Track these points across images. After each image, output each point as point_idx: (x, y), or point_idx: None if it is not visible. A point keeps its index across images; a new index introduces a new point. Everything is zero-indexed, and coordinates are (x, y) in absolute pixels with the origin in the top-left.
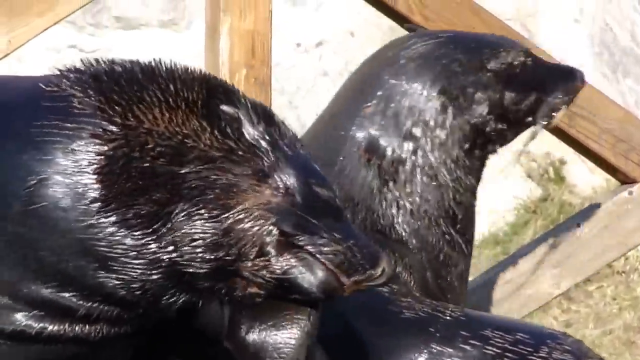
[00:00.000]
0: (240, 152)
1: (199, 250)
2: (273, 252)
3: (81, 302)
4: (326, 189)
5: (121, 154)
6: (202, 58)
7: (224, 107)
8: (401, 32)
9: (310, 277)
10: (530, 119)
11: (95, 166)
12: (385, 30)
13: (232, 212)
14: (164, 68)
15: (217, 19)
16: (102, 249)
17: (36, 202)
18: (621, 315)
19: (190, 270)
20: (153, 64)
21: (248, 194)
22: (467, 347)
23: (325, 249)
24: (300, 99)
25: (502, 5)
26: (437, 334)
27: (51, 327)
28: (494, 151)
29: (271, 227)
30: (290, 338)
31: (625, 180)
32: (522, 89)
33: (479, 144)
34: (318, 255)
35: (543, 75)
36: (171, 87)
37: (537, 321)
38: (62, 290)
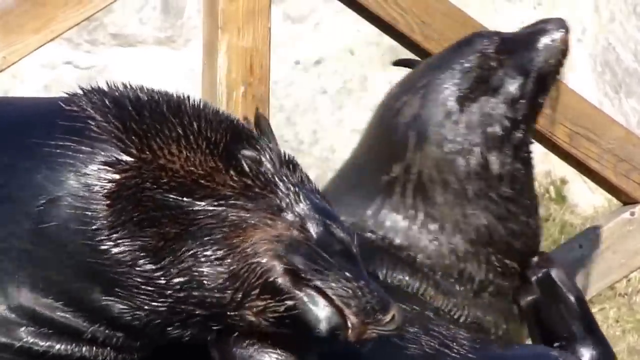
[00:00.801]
0: (256, 189)
1: (200, 292)
2: (280, 286)
3: (86, 323)
4: (344, 232)
5: (133, 184)
6: (200, 75)
7: (246, 152)
8: (402, 50)
9: (315, 313)
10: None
11: (105, 192)
12: (386, 49)
13: (236, 252)
14: (192, 105)
15: (215, 37)
16: (108, 274)
17: (46, 221)
18: (625, 338)
19: (197, 311)
20: (182, 98)
21: (257, 228)
22: None
23: (334, 285)
24: (298, 117)
25: (504, 24)
26: None
27: (58, 347)
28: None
29: (277, 262)
30: (279, 359)
31: (627, 200)
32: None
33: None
34: (326, 290)
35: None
36: (195, 125)
37: None
38: (67, 310)
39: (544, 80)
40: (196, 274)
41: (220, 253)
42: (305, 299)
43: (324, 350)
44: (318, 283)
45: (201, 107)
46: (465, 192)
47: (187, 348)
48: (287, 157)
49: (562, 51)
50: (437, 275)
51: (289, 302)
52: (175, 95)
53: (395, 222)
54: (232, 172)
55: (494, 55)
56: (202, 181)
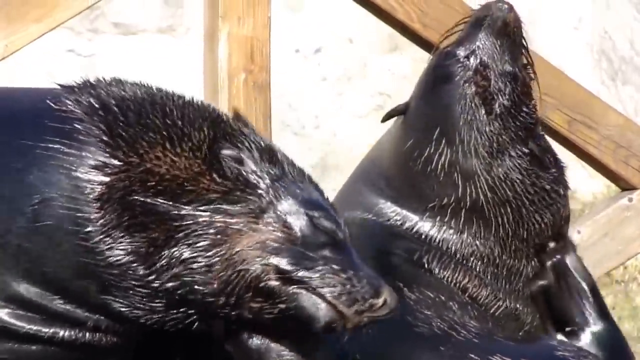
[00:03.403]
0: (237, 192)
1: (198, 296)
2: (271, 290)
3: (87, 314)
4: (329, 221)
5: (121, 186)
6: (201, 64)
7: (227, 152)
8: (400, 38)
9: (310, 311)
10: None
11: (95, 195)
12: (384, 37)
13: (226, 260)
14: (176, 103)
15: (215, 25)
16: (103, 275)
17: (40, 220)
18: (620, 325)
19: (193, 312)
20: (166, 95)
21: (243, 234)
22: None
23: (323, 281)
24: (300, 103)
25: None
26: (447, 353)
27: (62, 333)
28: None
29: (267, 267)
30: (289, 350)
31: (625, 186)
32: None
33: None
34: (317, 289)
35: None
36: (179, 125)
37: None
38: (68, 303)
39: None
40: (188, 279)
41: (208, 261)
42: (297, 299)
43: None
44: (307, 282)
45: (185, 103)
46: (520, 199)
47: (191, 340)
48: (266, 145)
49: (510, 11)
50: (484, 271)
51: (282, 305)
52: (159, 92)
53: (445, 233)
54: (214, 176)
55: (477, 76)
56: (187, 185)
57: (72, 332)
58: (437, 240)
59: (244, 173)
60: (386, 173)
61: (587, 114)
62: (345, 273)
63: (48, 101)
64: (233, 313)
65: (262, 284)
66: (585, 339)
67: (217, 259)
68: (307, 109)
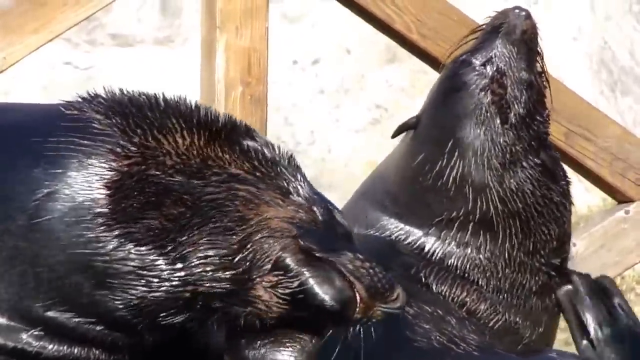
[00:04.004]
0: (263, 170)
1: (209, 267)
2: (291, 265)
3: (76, 321)
4: (343, 219)
5: (136, 171)
6: (198, 75)
7: (247, 141)
8: (398, 49)
9: (327, 287)
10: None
11: (106, 180)
12: (382, 48)
13: (249, 224)
14: (188, 102)
15: (213, 36)
16: (101, 264)
17: (41, 215)
18: None
19: (201, 289)
20: (177, 98)
21: (270, 206)
22: None
23: (348, 264)
24: (295, 117)
25: None
26: None
27: (50, 347)
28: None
29: (291, 240)
30: (291, 356)
31: (622, 199)
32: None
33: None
34: (338, 266)
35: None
36: (195, 116)
37: None
38: (57, 308)
39: (532, 56)
40: (203, 247)
41: (230, 225)
42: (317, 276)
43: (333, 333)
44: (330, 261)
45: (196, 103)
46: (528, 209)
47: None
48: (282, 148)
49: (528, 18)
50: (486, 284)
51: (302, 278)
52: (171, 95)
53: (450, 246)
54: (238, 154)
55: (494, 84)
56: (209, 162)
57: (60, 347)
58: (438, 254)
59: (268, 156)
60: (392, 189)
61: (585, 125)
62: (364, 262)
63: (59, 107)
64: (247, 288)
65: (285, 257)
66: (606, 338)
67: (241, 223)
68: (303, 123)
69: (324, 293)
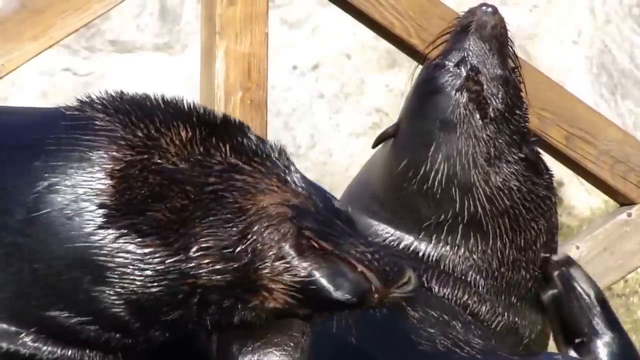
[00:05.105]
0: (259, 159)
1: (210, 260)
2: (294, 253)
3: (72, 321)
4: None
5: (140, 159)
6: (197, 81)
7: (241, 136)
8: (398, 54)
9: (338, 279)
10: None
11: (109, 170)
12: (382, 53)
13: (248, 214)
14: (185, 101)
15: (212, 42)
16: (100, 258)
17: (40, 209)
18: None
19: (200, 282)
20: (175, 99)
21: (266, 194)
22: None
23: (353, 251)
24: (296, 122)
25: None
26: None
27: (45, 349)
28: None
29: (290, 226)
30: (288, 355)
31: (623, 201)
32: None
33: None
34: (346, 256)
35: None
36: (194, 113)
37: None
38: (53, 307)
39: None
40: (204, 238)
41: (230, 216)
42: (325, 265)
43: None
44: (337, 247)
45: (193, 103)
46: (514, 207)
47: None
48: (279, 145)
49: (495, 15)
50: (483, 285)
51: (307, 270)
52: (169, 96)
53: (442, 249)
54: (235, 144)
55: (469, 82)
56: (211, 151)
57: (55, 348)
58: (434, 258)
59: (262, 149)
60: (379, 196)
61: (585, 128)
62: (370, 247)
63: (59, 109)
64: (251, 277)
65: (283, 245)
66: (596, 350)
67: (241, 214)
68: (303, 128)
69: (334, 286)
